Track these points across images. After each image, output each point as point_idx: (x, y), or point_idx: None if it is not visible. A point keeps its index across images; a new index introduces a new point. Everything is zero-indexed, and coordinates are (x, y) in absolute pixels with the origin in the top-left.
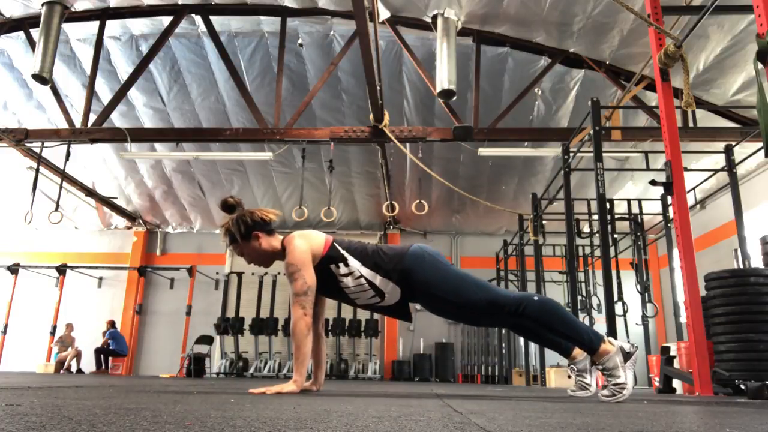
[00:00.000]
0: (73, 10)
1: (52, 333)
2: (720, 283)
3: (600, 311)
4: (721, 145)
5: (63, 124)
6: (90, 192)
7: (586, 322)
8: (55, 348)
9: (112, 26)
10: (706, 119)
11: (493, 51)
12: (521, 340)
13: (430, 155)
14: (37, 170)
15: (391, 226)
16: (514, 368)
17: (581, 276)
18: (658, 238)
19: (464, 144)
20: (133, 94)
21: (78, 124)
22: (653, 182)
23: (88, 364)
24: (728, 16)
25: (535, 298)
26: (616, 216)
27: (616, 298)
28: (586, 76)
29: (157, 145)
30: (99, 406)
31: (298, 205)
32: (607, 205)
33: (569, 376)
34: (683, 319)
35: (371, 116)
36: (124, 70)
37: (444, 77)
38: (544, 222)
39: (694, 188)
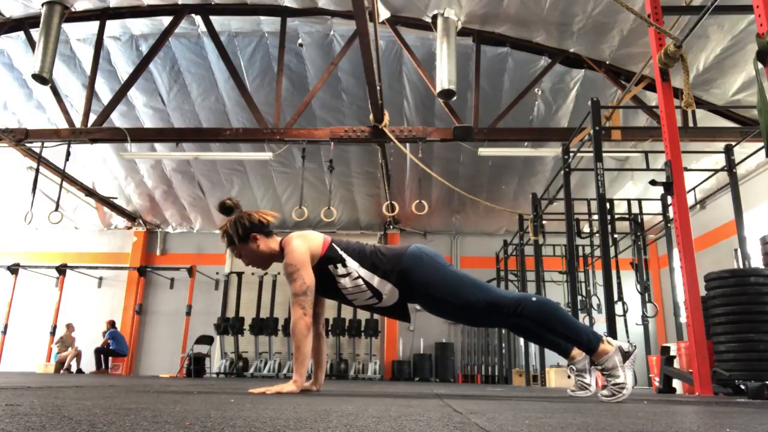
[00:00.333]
0: (73, 10)
1: (52, 333)
2: (720, 283)
3: (600, 311)
4: (721, 145)
5: (63, 124)
6: (90, 192)
7: (586, 322)
8: (56, 348)
9: (112, 26)
10: (706, 119)
11: (493, 51)
12: (521, 340)
13: (430, 155)
14: (37, 170)
15: (391, 226)
16: (514, 368)
17: (581, 276)
18: (658, 238)
19: (464, 144)
20: (133, 94)
21: (78, 124)
22: (653, 182)
23: (88, 364)
24: (728, 16)
25: (534, 298)
26: (616, 216)
27: (616, 298)
28: (586, 76)
29: (157, 145)
30: (99, 406)
31: (298, 205)
32: (607, 205)
33: (569, 376)
34: (683, 319)
35: (371, 116)
36: (124, 70)
37: (444, 77)
38: (544, 222)
39: (694, 188)
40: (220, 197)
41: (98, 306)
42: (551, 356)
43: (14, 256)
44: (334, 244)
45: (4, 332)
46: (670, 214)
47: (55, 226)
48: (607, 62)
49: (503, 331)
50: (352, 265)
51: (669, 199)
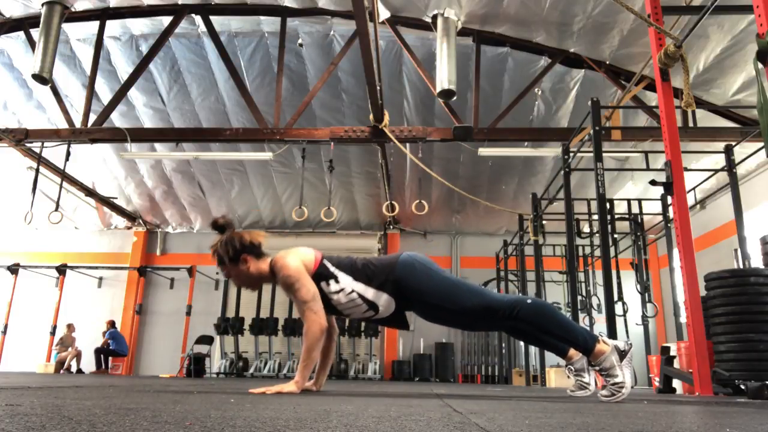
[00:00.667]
0: (73, 10)
1: (52, 333)
2: (720, 283)
3: (600, 311)
4: (721, 145)
5: (63, 124)
6: (90, 192)
7: (587, 321)
8: (56, 349)
9: (112, 26)
10: (706, 119)
11: (493, 51)
12: None
13: (430, 155)
14: (37, 170)
15: (391, 226)
16: (514, 368)
17: (581, 276)
18: (658, 238)
19: (464, 144)
20: (133, 94)
21: (78, 124)
22: (653, 182)
23: (88, 364)
24: (728, 16)
25: (529, 301)
26: (616, 216)
27: (616, 298)
28: (586, 76)
29: (157, 145)
30: (99, 406)
31: (298, 205)
32: (607, 205)
33: (568, 377)
34: (683, 319)
35: (371, 116)
36: (124, 70)
37: (444, 77)
38: (544, 222)
39: (694, 188)
40: (220, 197)
41: (98, 306)
42: (551, 356)
43: (14, 256)
44: (325, 261)
45: (4, 332)
46: (670, 214)
47: (55, 226)
48: (607, 62)
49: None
50: (345, 280)
51: (669, 199)
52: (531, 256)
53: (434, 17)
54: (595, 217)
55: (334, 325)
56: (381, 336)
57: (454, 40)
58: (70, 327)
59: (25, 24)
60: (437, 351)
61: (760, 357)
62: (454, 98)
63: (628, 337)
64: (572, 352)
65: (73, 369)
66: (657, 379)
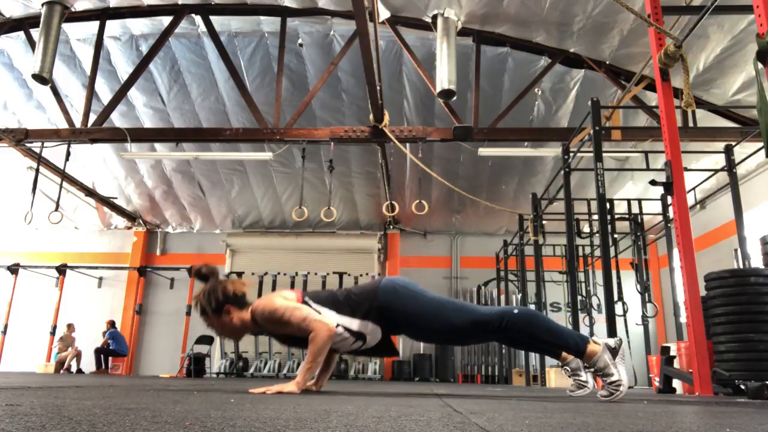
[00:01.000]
0: (73, 10)
1: (52, 333)
2: (720, 283)
3: (600, 311)
4: (721, 145)
5: (63, 124)
6: (90, 192)
7: (587, 322)
8: (56, 349)
9: (112, 26)
10: (706, 119)
11: (493, 51)
12: None
13: (430, 155)
14: (37, 170)
15: (391, 226)
16: (514, 368)
17: (581, 276)
18: (658, 238)
19: (464, 144)
20: (133, 94)
21: (78, 124)
22: (653, 182)
23: (88, 364)
24: (728, 16)
25: (516, 311)
26: (616, 216)
27: (616, 298)
28: (586, 76)
29: (157, 145)
30: (99, 406)
31: (298, 205)
32: (607, 205)
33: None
34: (683, 319)
35: (371, 116)
36: (124, 70)
37: (444, 77)
38: (544, 222)
39: (694, 188)
40: (220, 197)
41: (98, 306)
42: None
43: (14, 256)
44: (306, 299)
45: (4, 332)
46: (670, 214)
47: (55, 226)
48: (607, 62)
49: None
50: (330, 315)
51: (669, 199)
52: (531, 256)
53: (434, 17)
54: (595, 217)
55: None
56: None
57: (454, 40)
58: (70, 327)
59: (25, 24)
60: (437, 351)
61: (760, 357)
62: (454, 98)
63: (628, 337)
64: (565, 353)
65: (73, 369)
66: (657, 379)
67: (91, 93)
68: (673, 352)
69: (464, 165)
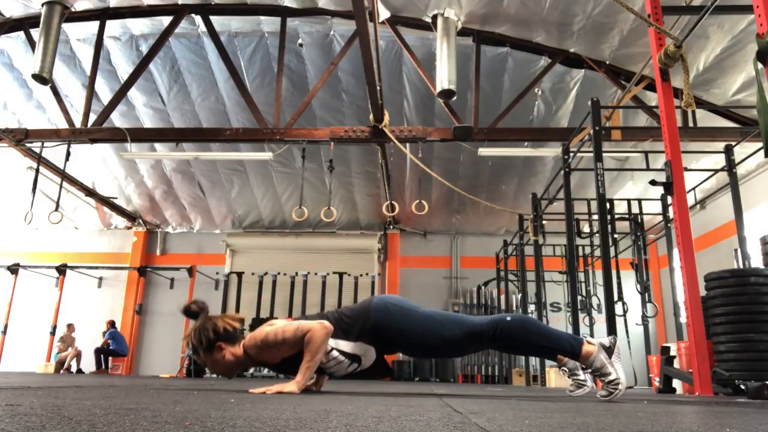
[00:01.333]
0: (73, 10)
1: (52, 333)
2: (720, 283)
3: (600, 311)
4: (721, 145)
5: (63, 124)
6: (90, 192)
7: (587, 322)
8: (55, 349)
9: (112, 26)
10: (706, 119)
11: (493, 51)
12: None
13: (430, 155)
14: (37, 170)
15: (391, 226)
16: (514, 368)
17: (581, 276)
18: (658, 238)
19: (464, 144)
20: (133, 94)
21: (78, 124)
22: (653, 182)
23: (88, 364)
24: (728, 16)
25: (508, 318)
26: (616, 216)
27: (616, 298)
28: (586, 76)
29: (157, 145)
30: (99, 406)
31: (298, 205)
32: (607, 205)
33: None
34: (683, 319)
35: (371, 116)
36: (124, 70)
37: (444, 77)
38: (544, 222)
39: (694, 188)
40: (220, 197)
41: (98, 306)
42: None
43: (14, 256)
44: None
45: (4, 332)
46: (670, 214)
47: (55, 226)
48: (607, 62)
49: None
50: None
51: (669, 199)
52: (531, 256)
53: (434, 17)
54: (595, 217)
55: None
56: None
57: (454, 40)
58: (71, 327)
59: (25, 24)
60: None
61: (760, 357)
62: (454, 98)
63: (628, 337)
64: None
65: (73, 369)
66: (657, 379)
67: (91, 93)
68: (673, 352)
69: (464, 165)
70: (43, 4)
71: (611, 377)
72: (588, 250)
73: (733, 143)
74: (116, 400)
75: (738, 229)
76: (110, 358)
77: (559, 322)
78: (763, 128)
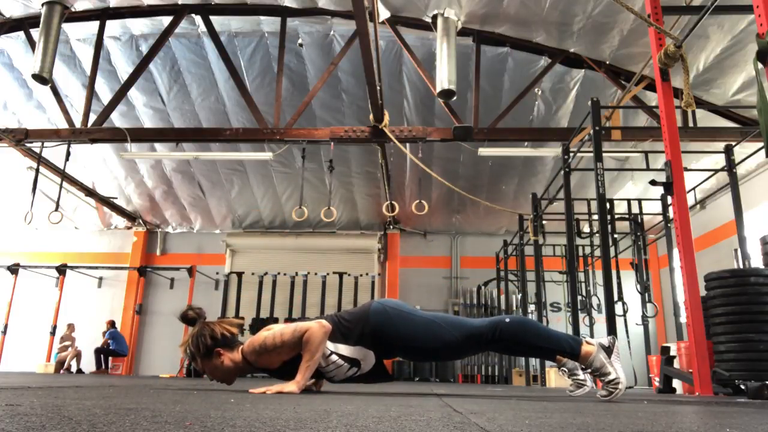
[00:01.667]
0: (73, 10)
1: (52, 333)
2: (720, 283)
3: (600, 311)
4: (721, 145)
5: (63, 124)
6: (90, 192)
7: (587, 322)
8: (56, 349)
9: (112, 26)
10: (706, 119)
11: (493, 51)
12: None
13: (430, 155)
14: (37, 170)
15: (391, 226)
16: (514, 368)
17: (581, 276)
18: (658, 238)
19: (464, 144)
20: (133, 94)
21: (78, 124)
22: (653, 182)
23: (88, 364)
24: (728, 16)
25: (507, 320)
26: (616, 216)
27: (616, 298)
28: (586, 76)
29: (157, 145)
30: (99, 406)
31: (298, 205)
32: (607, 205)
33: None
34: (683, 319)
35: (371, 116)
36: (124, 70)
37: (444, 77)
38: (544, 222)
39: (694, 188)
40: (220, 197)
41: (98, 306)
42: None
43: (14, 256)
44: None
45: (4, 332)
46: (670, 214)
47: (55, 226)
48: (607, 62)
49: None
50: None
51: (669, 199)
52: (531, 256)
53: (434, 17)
54: (595, 217)
55: None
56: None
57: (454, 40)
58: (71, 327)
59: (25, 24)
60: None
61: (760, 357)
62: (454, 98)
63: (628, 337)
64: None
65: (73, 369)
66: (657, 379)
67: (91, 93)
68: (673, 352)
69: (464, 165)
70: (43, 4)
71: (611, 377)
72: (588, 250)
73: (733, 143)
74: (116, 400)
75: (738, 229)
76: (110, 358)
77: (559, 322)
78: (763, 128)
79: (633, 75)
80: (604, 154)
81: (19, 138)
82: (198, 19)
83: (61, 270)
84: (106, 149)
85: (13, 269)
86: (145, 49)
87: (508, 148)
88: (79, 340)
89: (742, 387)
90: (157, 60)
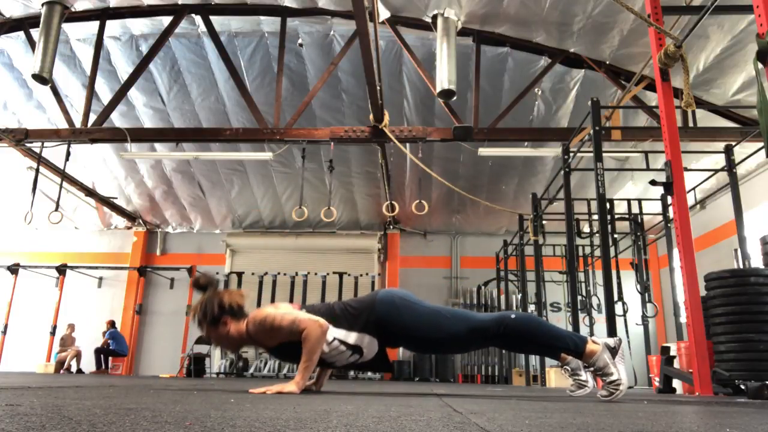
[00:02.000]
0: (73, 10)
1: (52, 333)
2: (720, 283)
3: (600, 311)
4: (721, 145)
5: (63, 124)
6: (90, 192)
7: (587, 322)
8: (56, 348)
9: (112, 26)
10: (706, 119)
11: (493, 51)
12: None
13: (430, 155)
14: (37, 170)
15: (391, 226)
16: (514, 368)
17: (581, 276)
18: (658, 238)
19: (464, 144)
20: (133, 94)
21: (78, 124)
22: (653, 182)
23: (88, 364)
24: (728, 16)
25: (513, 315)
26: (616, 216)
27: (616, 298)
28: (586, 76)
29: (157, 145)
30: (99, 406)
31: (298, 205)
32: (607, 205)
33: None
34: (683, 319)
35: (371, 116)
36: (124, 70)
37: (444, 77)
38: (544, 222)
39: (694, 188)
40: (220, 197)
41: (98, 306)
42: None
43: (14, 256)
44: (303, 310)
45: (4, 332)
46: (670, 214)
47: (55, 226)
48: (607, 62)
49: None
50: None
51: (669, 199)
52: (531, 256)
53: (434, 17)
54: (595, 217)
55: None
56: None
57: (454, 40)
58: (71, 327)
59: (25, 24)
60: None
61: (760, 357)
62: (454, 98)
63: (628, 337)
64: (564, 354)
65: (73, 369)
66: (657, 379)
67: (91, 93)
68: (673, 352)
69: (464, 165)
70: (43, 4)
71: (613, 377)
72: (588, 250)
73: (733, 143)
74: (116, 400)
75: (738, 229)
76: (110, 358)
77: (559, 322)
78: (763, 128)
79: (633, 75)
80: (604, 154)
81: (19, 138)
82: (198, 19)
83: (61, 270)
84: (106, 149)
85: (13, 269)
86: (145, 49)
87: (508, 148)
88: (79, 340)
89: (742, 387)
90: (157, 60)
